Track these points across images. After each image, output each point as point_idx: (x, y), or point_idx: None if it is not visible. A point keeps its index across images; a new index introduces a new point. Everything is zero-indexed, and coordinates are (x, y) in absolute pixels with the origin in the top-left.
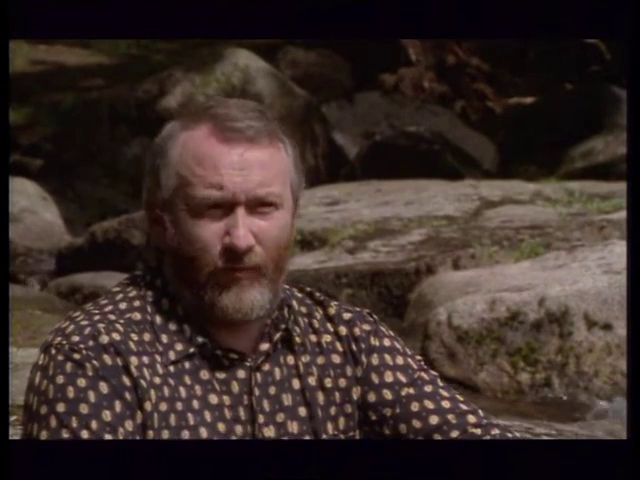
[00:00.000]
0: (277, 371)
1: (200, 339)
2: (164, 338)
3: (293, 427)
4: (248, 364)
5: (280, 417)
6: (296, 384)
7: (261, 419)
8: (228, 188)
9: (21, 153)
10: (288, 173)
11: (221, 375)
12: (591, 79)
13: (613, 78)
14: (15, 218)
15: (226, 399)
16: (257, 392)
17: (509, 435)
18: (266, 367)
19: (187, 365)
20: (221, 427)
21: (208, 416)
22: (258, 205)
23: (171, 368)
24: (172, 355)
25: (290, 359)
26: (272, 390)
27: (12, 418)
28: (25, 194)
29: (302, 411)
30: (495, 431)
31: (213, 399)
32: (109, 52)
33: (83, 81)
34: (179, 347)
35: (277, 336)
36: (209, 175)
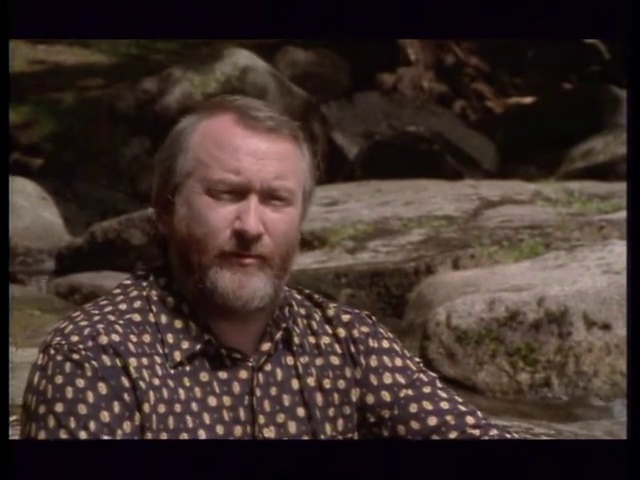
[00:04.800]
0: (278, 372)
1: (206, 336)
2: (169, 338)
3: (292, 427)
4: (250, 364)
5: (280, 418)
6: (295, 384)
7: (261, 420)
8: (245, 174)
9: (21, 153)
10: (303, 175)
11: (222, 375)
12: (591, 79)
13: (613, 78)
14: (15, 218)
15: (226, 400)
16: (258, 393)
17: (508, 436)
18: (268, 367)
19: (187, 367)
20: (220, 429)
21: (207, 418)
22: (271, 197)
23: (171, 370)
24: (178, 355)
25: (289, 360)
26: (273, 391)
27: (12, 418)
28: (25, 194)
29: (300, 411)
30: (494, 432)
31: (212, 401)
32: (108, 52)
33: (82, 81)
34: (185, 345)
35: (278, 335)
36: (228, 159)
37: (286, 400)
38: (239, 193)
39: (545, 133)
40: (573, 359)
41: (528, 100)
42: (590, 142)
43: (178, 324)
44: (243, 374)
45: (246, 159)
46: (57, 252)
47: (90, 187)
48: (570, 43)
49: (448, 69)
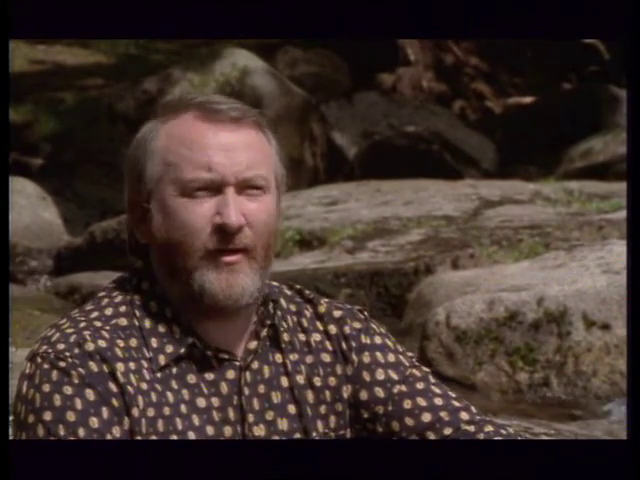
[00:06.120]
0: (266, 369)
1: (190, 339)
2: (153, 342)
3: (283, 424)
4: (237, 364)
5: (270, 415)
6: (284, 382)
7: (251, 418)
8: (217, 170)
9: (21, 153)
10: (272, 161)
11: (209, 377)
12: (590, 79)
13: (612, 78)
14: (15, 218)
15: (215, 401)
16: (247, 391)
17: (502, 432)
18: (255, 365)
19: (174, 370)
20: (210, 430)
21: (196, 420)
22: (246, 187)
23: (158, 374)
24: (162, 359)
25: (278, 357)
26: (261, 388)
27: (11, 418)
28: (25, 194)
29: (291, 409)
30: (488, 428)
31: (201, 402)
32: (108, 52)
33: (82, 81)
34: (169, 349)
35: (264, 332)
36: (197, 157)
37: (275, 397)
38: (214, 188)
39: (544, 133)
40: (572, 359)
41: (528, 100)
42: (589, 142)
43: (162, 328)
44: (230, 374)
45: (216, 154)
46: (56, 252)
47: (90, 187)
48: (570, 43)
49: (447, 69)
